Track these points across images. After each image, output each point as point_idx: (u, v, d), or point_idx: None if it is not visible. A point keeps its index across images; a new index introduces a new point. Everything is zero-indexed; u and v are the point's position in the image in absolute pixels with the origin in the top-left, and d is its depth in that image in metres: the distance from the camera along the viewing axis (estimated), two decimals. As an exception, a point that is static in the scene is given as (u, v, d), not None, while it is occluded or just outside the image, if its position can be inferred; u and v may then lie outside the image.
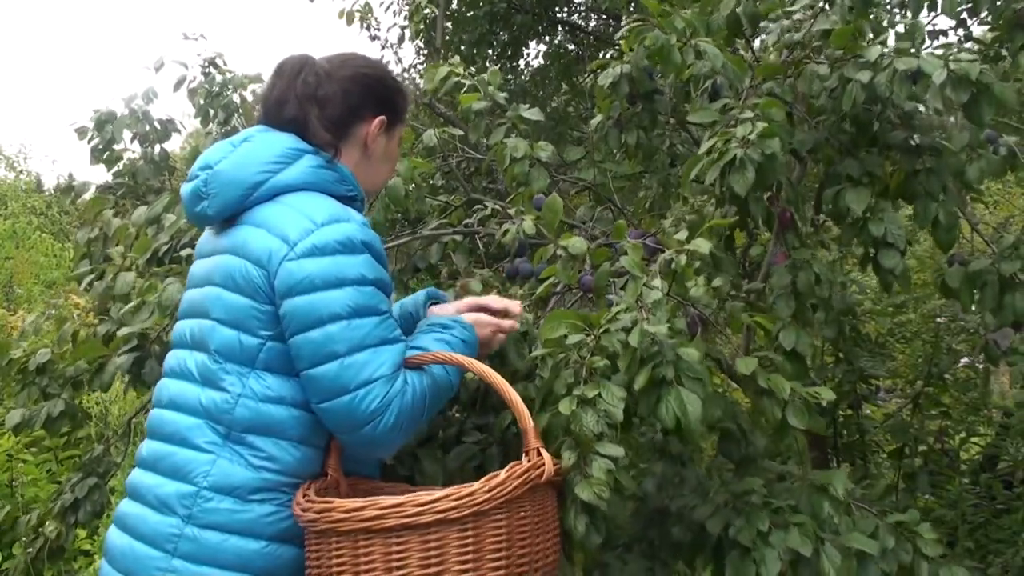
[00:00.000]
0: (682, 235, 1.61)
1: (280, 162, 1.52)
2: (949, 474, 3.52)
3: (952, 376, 3.68)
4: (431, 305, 1.76)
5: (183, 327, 1.59)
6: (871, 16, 2.09)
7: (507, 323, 1.67)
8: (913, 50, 1.98)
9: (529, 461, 1.41)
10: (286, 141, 1.55)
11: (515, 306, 1.70)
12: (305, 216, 1.47)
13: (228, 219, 1.55)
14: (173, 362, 1.58)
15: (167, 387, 1.56)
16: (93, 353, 2.40)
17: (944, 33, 3.75)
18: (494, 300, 1.71)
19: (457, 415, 1.88)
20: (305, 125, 1.58)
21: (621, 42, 2.23)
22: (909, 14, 2.59)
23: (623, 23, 2.20)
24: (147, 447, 1.55)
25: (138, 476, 1.54)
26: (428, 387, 1.48)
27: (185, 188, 1.59)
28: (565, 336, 1.57)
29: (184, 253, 2.24)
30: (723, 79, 2.09)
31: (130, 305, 2.31)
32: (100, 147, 3.11)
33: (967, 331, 3.57)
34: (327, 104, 1.59)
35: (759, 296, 2.14)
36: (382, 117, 1.64)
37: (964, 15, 3.33)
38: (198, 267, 1.60)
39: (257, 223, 1.50)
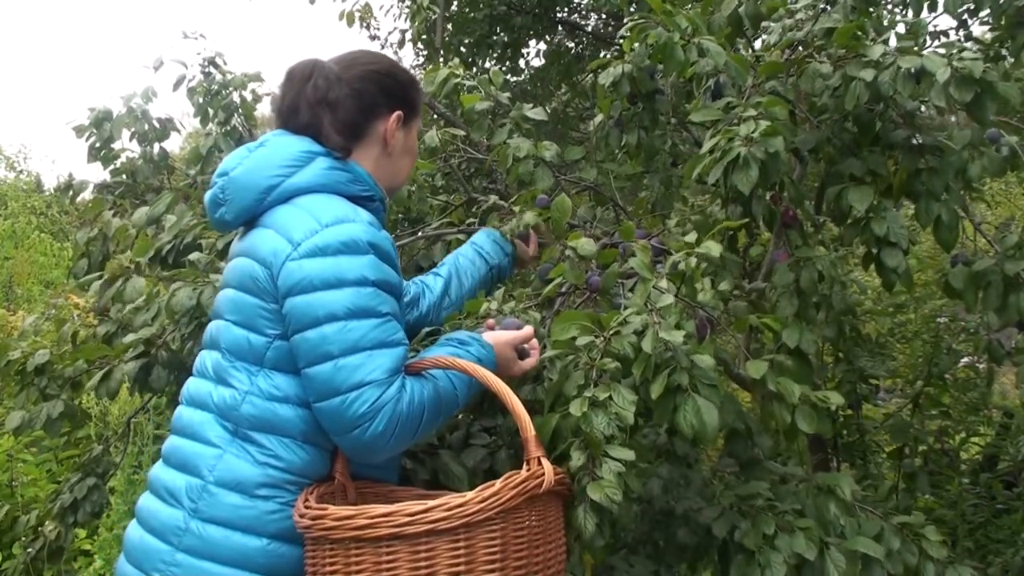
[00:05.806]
0: (690, 237, 1.60)
1: (293, 165, 1.54)
2: (949, 474, 3.53)
3: (952, 376, 3.68)
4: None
5: (209, 328, 1.62)
6: (873, 15, 2.09)
7: (522, 333, 1.64)
8: (916, 48, 1.98)
9: (528, 471, 1.39)
10: (300, 144, 1.56)
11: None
12: (312, 217, 1.47)
13: (248, 223, 1.57)
14: (198, 361, 1.62)
15: (189, 385, 1.60)
16: (93, 354, 2.39)
17: (945, 34, 3.78)
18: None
19: (463, 417, 1.86)
20: (319, 130, 1.58)
21: (622, 41, 2.22)
22: (911, 13, 2.60)
23: (625, 22, 2.19)
24: (167, 442, 1.58)
25: (156, 470, 1.57)
26: (428, 397, 1.47)
27: (206, 196, 1.62)
28: (575, 338, 1.56)
29: (193, 256, 2.22)
30: (726, 77, 2.08)
31: (131, 306, 2.30)
32: (98, 145, 3.09)
33: (968, 331, 3.57)
34: (339, 107, 1.59)
35: (761, 296, 2.14)
36: (398, 112, 1.65)
37: (965, 15, 3.35)
38: (226, 270, 1.63)
39: (268, 224, 1.52)
